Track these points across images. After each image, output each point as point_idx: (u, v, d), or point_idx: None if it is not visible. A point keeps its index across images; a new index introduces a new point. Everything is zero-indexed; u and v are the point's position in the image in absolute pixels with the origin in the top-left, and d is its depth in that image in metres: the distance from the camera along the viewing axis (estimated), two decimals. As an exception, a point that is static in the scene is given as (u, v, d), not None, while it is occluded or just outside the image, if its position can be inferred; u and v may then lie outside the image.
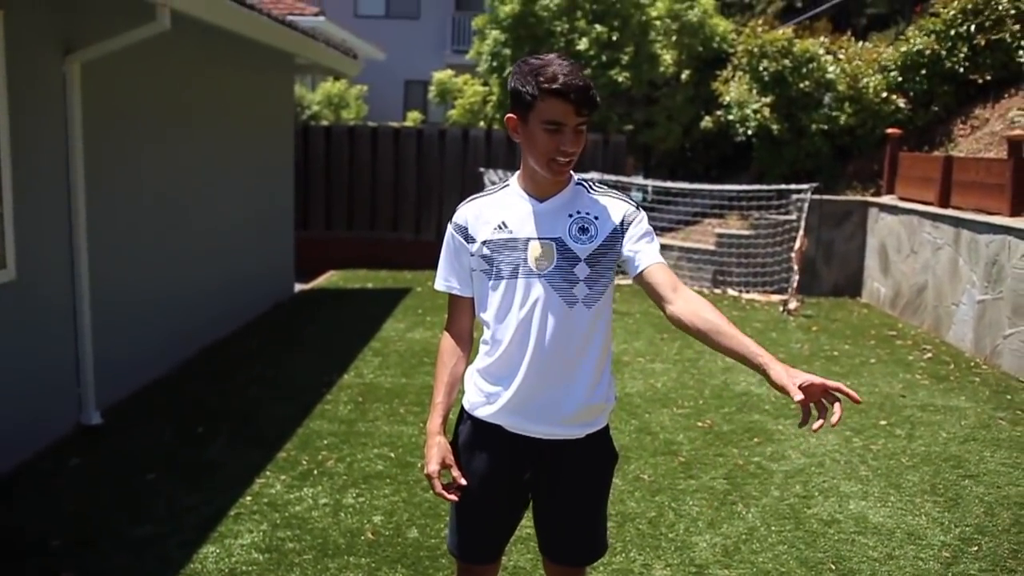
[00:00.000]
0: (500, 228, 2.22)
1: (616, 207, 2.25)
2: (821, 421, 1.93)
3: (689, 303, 2.13)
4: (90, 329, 5.30)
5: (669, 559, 3.74)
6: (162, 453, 4.89)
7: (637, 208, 2.28)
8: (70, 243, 5.18)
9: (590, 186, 2.30)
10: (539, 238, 2.19)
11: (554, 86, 2.07)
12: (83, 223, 5.21)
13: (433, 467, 2.24)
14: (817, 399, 1.94)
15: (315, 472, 4.61)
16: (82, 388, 5.30)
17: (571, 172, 2.27)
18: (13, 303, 4.65)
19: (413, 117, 18.88)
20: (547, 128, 2.11)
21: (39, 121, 4.87)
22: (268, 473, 4.59)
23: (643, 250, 2.21)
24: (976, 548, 3.86)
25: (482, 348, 2.32)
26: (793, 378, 1.92)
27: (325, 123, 14.13)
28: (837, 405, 1.92)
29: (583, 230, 2.20)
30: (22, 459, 4.70)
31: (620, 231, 2.22)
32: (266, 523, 4.00)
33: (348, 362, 6.85)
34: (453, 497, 2.25)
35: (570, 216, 2.21)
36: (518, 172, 2.29)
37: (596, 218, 2.22)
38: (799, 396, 1.89)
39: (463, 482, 2.26)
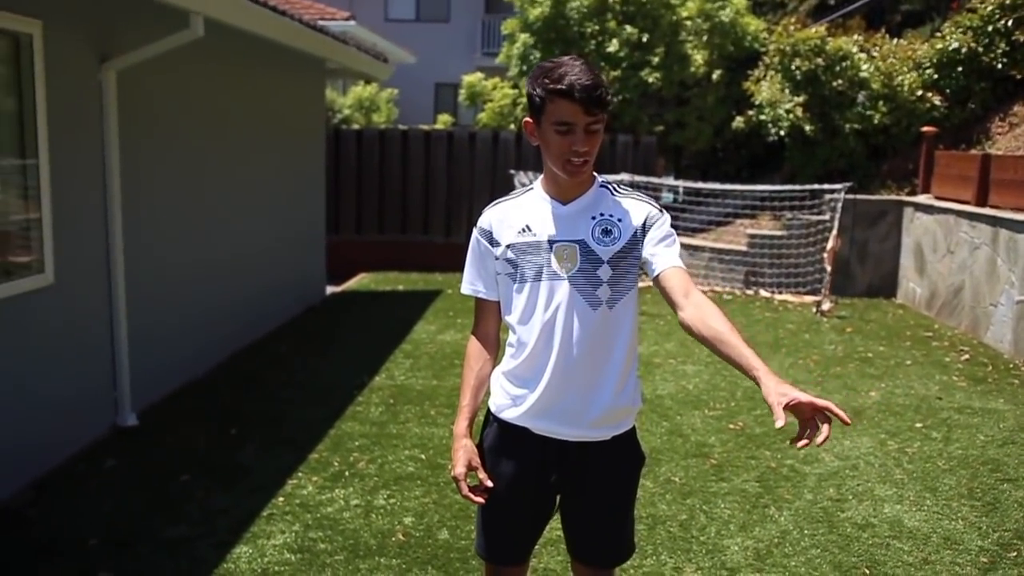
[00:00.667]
0: (524, 231, 2.23)
1: (639, 209, 2.24)
2: (806, 441, 1.86)
3: (699, 309, 2.09)
4: (126, 333, 5.38)
5: (700, 562, 3.72)
6: (196, 455, 4.95)
7: (660, 211, 2.27)
8: (107, 248, 5.26)
9: (614, 188, 2.30)
10: (562, 240, 2.20)
11: (559, 86, 2.08)
12: (119, 229, 5.29)
13: (460, 469, 2.25)
14: (808, 417, 1.86)
15: (346, 474, 4.64)
16: (118, 391, 5.39)
17: (595, 174, 2.27)
18: (51, 307, 4.73)
19: (443, 120, 18.95)
20: (558, 129, 2.11)
21: (76, 129, 4.96)
22: (300, 475, 4.63)
23: (661, 253, 2.20)
24: (1015, 554, 3.79)
25: (508, 351, 2.33)
26: (781, 396, 1.84)
27: (356, 127, 14.22)
28: (826, 426, 1.84)
29: (606, 232, 2.20)
30: (59, 461, 4.79)
31: (642, 233, 2.22)
32: (298, 524, 4.03)
33: (379, 364, 6.88)
34: (480, 500, 2.26)
35: (593, 218, 2.21)
36: (542, 175, 2.30)
37: (619, 220, 2.22)
38: (780, 423, 1.80)
39: (489, 484, 2.26)
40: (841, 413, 1.83)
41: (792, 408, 1.84)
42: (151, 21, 5.34)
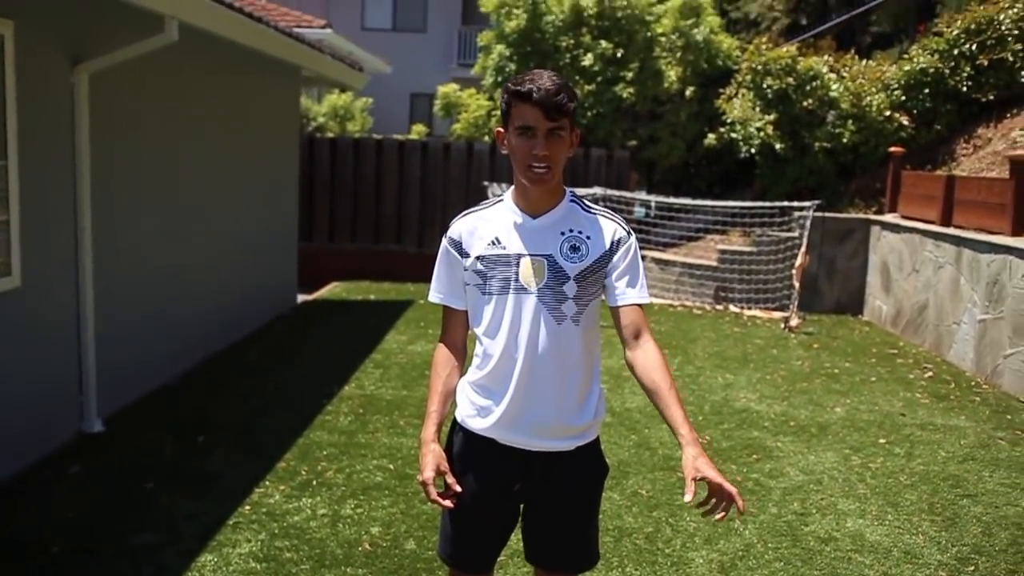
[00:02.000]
0: (494, 244, 2.26)
1: (608, 228, 2.28)
2: (709, 508, 2.07)
3: (645, 356, 2.22)
4: (93, 338, 5.33)
5: (665, 574, 3.75)
6: (162, 462, 4.91)
7: (628, 232, 2.30)
8: (75, 252, 5.22)
9: (584, 204, 2.33)
10: (530, 254, 2.23)
11: (520, 89, 2.14)
12: (88, 232, 5.25)
13: (428, 474, 2.25)
14: (716, 490, 2.05)
15: (314, 483, 4.63)
16: (84, 396, 5.33)
17: (565, 188, 2.30)
18: (17, 310, 4.68)
19: (418, 130, 18.94)
20: (520, 133, 2.17)
21: (47, 131, 4.92)
22: (267, 483, 4.61)
23: (622, 288, 2.25)
24: (973, 568, 3.87)
25: (474, 361, 2.36)
26: (696, 471, 2.03)
27: (331, 135, 14.19)
28: (730, 507, 2.05)
29: (574, 248, 2.23)
30: (23, 466, 4.73)
31: (609, 253, 2.25)
32: (264, 532, 4.01)
33: (349, 374, 6.87)
34: (448, 504, 2.27)
35: (562, 234, 2.24)
36: (512, 187, 2.32)
37: (588, 237, 2.25)
38: (688, 497, 2.01)
39: (458, 489, 2.27)
40: (740, 503, 2.04)
41: (704, 480, 2.04)
42: (125, 24, 5.32)
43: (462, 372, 2.40)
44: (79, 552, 3.79)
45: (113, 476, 4.70)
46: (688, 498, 2.01)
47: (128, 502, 4.35)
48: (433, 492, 2.25)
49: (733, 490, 2.03)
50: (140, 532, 4.00)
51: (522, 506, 2.38)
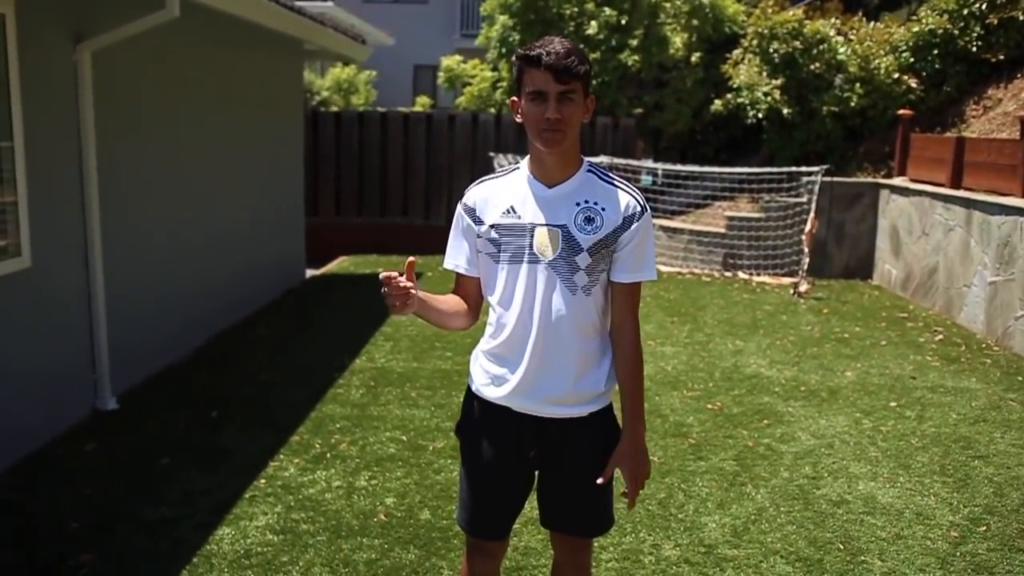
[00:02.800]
0: (508, 212, 2.25)
1: (623, 201, 2.25)
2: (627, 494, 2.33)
3: (622, 342, 2.31)
4: (104, 316, 5.36)
5: (679, 539, 3.77)
6: (177, 438, 4.95)
7: (644, 209, 2.28)
8: (84, 231, 5.23)
9: (601, 173, 2.31)
10: (545, 224, 2.22)
11: (530, 54, 2.14)
12: (96, 211, 5.25)
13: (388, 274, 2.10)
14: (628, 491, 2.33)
15: (328, 455, 4.66)
16: (97, 374, 5.37)
17: (582, 157, 2.29)
18: (28, 290, 4.70)
19: (422, 102, 18.86)
20: (531, 98, 2.16)
21: (51, 110, 4.91)
22: (281, 456, 4.64)
23: (623, 265, 2.25)
24: (984, 528, 3.88)
25: (487, 330, 2.36)
26: (618, 464, 2.30)
27: (335, 109, 14.14)
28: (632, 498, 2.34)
29: (588, 220, 2.22)
30: (40, 444, 4.77)
31: (622, 228, 2.24)
32: (280, 505, 4.05)
33: (360, 347, 6.89)
34: (402, 280, 2.09)
35: (577, 204, 2.23)
36: (528, 156, 2.31)
37: (603, 209, 2.23)
38: (601, 481, 2.29)
39: (410, 285, 2.10)
40: (630, 502, 2.34)
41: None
42: (126, 1, 5.29)
43: (470, 324, 2.38)
44: (97, 528, 3.84)
45: (128, 452, 4.75)
46: (600, 481, 2.29)
47: (144, 478, 4.39)
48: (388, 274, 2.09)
49: (634, 493, 2.32)
50: (157, 507, 4.04)
51: (537, 472, 2.39)
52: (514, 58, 2.21)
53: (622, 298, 2.30)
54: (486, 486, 2.38)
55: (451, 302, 2.36)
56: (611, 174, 2.33)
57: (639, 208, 2.26)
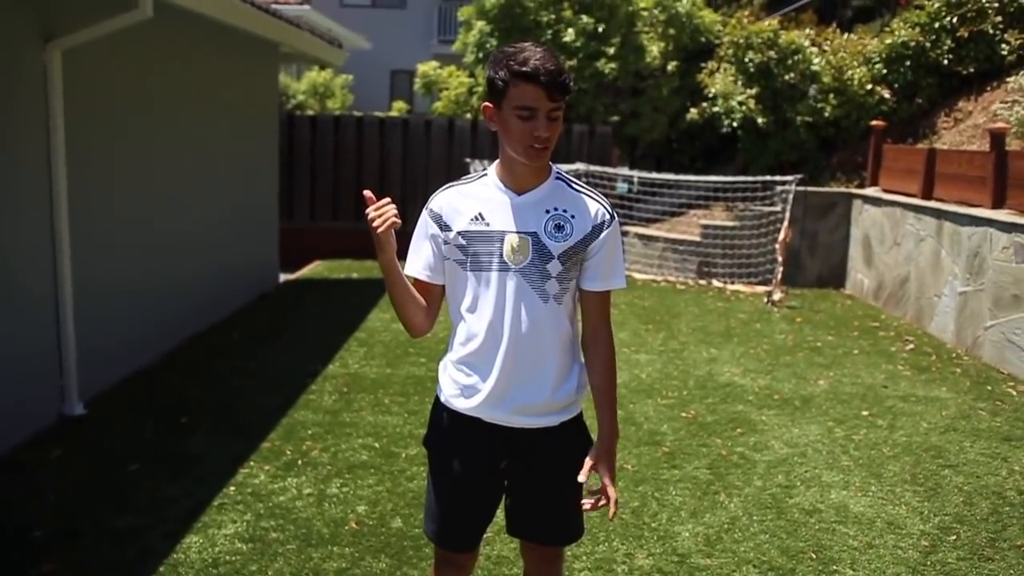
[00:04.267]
0: (477, 219, 2.22)
1: (592, 208, 2.25)
2: (591, 505, 2.25)
3: (598, 349, 2.31)
4: (72, 319, 5.27)
5: (651, 548, 3.76)
6: (145, 444, 4.88)
7: (612, 217, 2.27)
8: (52, 232, 5.14)
9: (569, 181, 2.30)
10: (516, 232, 2.20)
11: (524, 69, 2.08)
12: (65, 213, 5.17)
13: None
14: (602, 491, 2.24)
15: (299, 462, 4.61)
16: (64, 379, 5.28)
17: (551, 164, 2.27)
18: (-6, 293, 4.62)
19: (399, 107, 18.81)
20: (520, 114, 2.11)
21: (19, 109, 4.83)
22: (252, 463, 4.58)
23: (594, 273, 2.26)
24: (955, 537, 3.91)
25: (456, 339, 2.32)
26: (594, 463, 2.24)
27: (310, 113, 14.05)
28: (609, 505, 2.23)
29: (559, 227, 2.21)
30: (4, 450, 4.68)
31: (591, 235, 2.23)
32: (250, 513, 3.99)
33: (333, 352, 6.84)
34: (381, 219, 2.17)
35: (547, 212, 2.21)
36: (496, 162, 2.28)
37: (573, 216, 2.22)
38: (582, 478, 2.24)
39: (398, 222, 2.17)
40: (612, 511, 2.23)
41: (597, 473, 2.25)
42: (99, 1, 5.22)
43: (425, 327, 2.33)
44: (62, 536, 3.76)
45: (95, 459, 4.66)
46: (581, 478, 2.23)
47: (111, 485, 4.31)
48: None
49: (614, 497, 2.22)
50: (124, 515, 3.97)
51: (506, 481, 2.37)
52: (498, 69, 2.12)
53: (594, 306, 2.30)
54: (456, 498, 2.35)
55: (416, 297, 2.31)
56: (578, 182, 2.32)
57: (608, 216, 2.26)
